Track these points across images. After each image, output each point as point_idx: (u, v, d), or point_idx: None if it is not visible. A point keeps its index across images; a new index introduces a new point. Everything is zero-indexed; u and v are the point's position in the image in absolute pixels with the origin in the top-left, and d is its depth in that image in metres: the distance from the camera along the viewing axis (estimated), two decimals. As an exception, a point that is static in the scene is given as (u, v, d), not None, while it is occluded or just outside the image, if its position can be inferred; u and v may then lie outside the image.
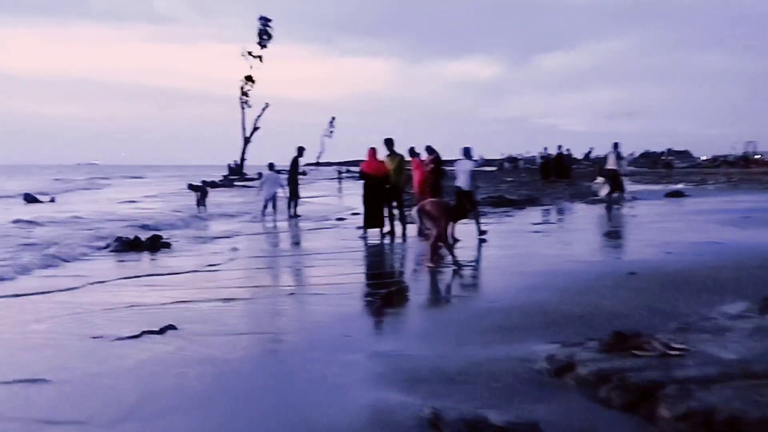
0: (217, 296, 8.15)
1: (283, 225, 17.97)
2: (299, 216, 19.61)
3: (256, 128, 66.25)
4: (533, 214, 19.56)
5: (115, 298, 8.10)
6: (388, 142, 14.97)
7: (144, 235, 13.97)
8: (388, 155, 14.93)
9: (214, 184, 46.53)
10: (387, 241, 14.15)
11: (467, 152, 14.51)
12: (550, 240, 13.38)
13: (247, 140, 65.90)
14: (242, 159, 65.62)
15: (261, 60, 66.80)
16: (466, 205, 9.90)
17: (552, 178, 37.49)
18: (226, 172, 61.70)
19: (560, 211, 20.40)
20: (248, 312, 7.44)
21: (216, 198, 29.30)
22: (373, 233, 14.36)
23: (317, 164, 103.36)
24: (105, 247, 12.96)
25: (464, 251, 11.57)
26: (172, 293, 8.40)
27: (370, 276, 10.01)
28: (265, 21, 67.61)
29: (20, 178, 66.13)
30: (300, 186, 19.97)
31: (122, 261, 11.63)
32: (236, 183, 50.05)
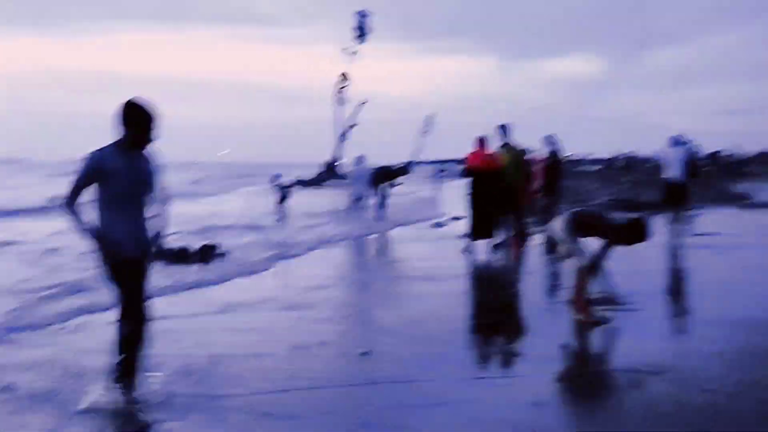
0: (244, 364, 5.23)
1: (370, 233, 15.00)
2: (388, 219, 16.75)
3: (352, 125, 64.45)
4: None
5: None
6: (504, 130, 11.73)
7: (198, 243, 11.44)
8: (503, 146, 11.71)
9: (304, 183, 44.53)
10: (499, 257, 10.97)
11: (678, 140, 12.68)
12: (732, 261, 9.82)
13: (342, 137, 64.12)
14: (338, 156, 63.77)
15: (358, 55, 65.05)
16: (644, 226, 6.42)
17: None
18: (322, 170, 59.90)
19: (712, 218, 16.51)
20: (289, 402, 4.45)
21: (303, 198, 26.82)
22: (481, 246, 11.19)
23: (414, 162, 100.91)
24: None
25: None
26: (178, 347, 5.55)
27: (482, 324, 6.86)
28: (362, 16, 65.74)
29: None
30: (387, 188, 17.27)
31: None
32: (328, 181, 47.81)
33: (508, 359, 5.40)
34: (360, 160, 16.92)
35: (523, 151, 12.05)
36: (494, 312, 7.12)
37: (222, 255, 10.56)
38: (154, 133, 4.15)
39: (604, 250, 6.27)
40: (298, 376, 4.71)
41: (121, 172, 4.06)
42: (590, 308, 6.27)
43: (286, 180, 20.90)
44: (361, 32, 65.19)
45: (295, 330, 6.09)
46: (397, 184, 18.47)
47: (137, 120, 4.08)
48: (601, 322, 6.20)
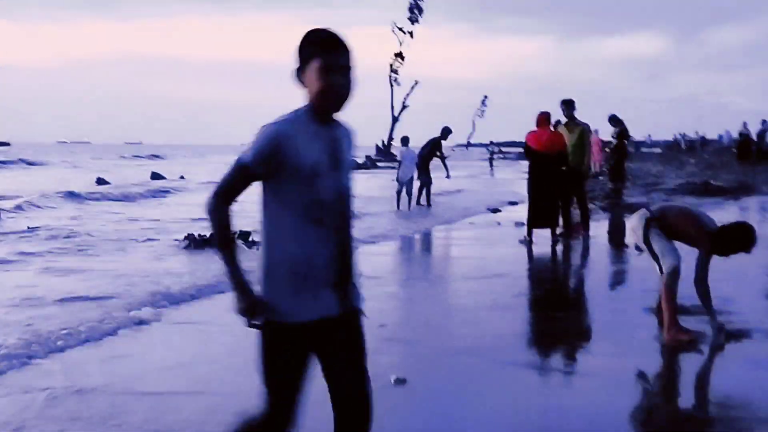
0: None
1: (416, 222, 13.81)
2: (436, 204, 15.60)
3: (404, 107, 63.28)
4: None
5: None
6: (568, 105, 10.43)
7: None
8: (566, 124, 10.43)
9: (357, 166, 43.63)
10: (561, 248, 9.73)
11: None
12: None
13: (395, 119, 63.03)
14: (390, 139, 62.72)
15: (411, 36, 63.66)
16: (752, 233, 4.99)
17: (752, 160, 30.95)
18: (373, 153, 58.99)
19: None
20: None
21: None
22: (541, 235, 9.96)
23: (468, 145, 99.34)
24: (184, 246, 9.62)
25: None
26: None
27: (541, 337, 5.69)
28: (415, -4, 64.30)
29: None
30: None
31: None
32: (380, 164, 46.79)
33: (579, 394, 4.22)
34: (406, 140, 15.78)
35: (588, 130, 10.73)
36: (556, 319, 5.93)
37: (254, 243, 9.60)
38: (353, 82, 2.32)
39: (703, 263, 4.94)
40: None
41: (319, 163, 2.26)
42: (680, 325, 4.97)
43: None
44: (415, 12, 63.95)
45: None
46: (444, 158, 16.77)
47: (329, 57, 2.25)
48: (697, 341, 4.93)
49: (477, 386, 4.13)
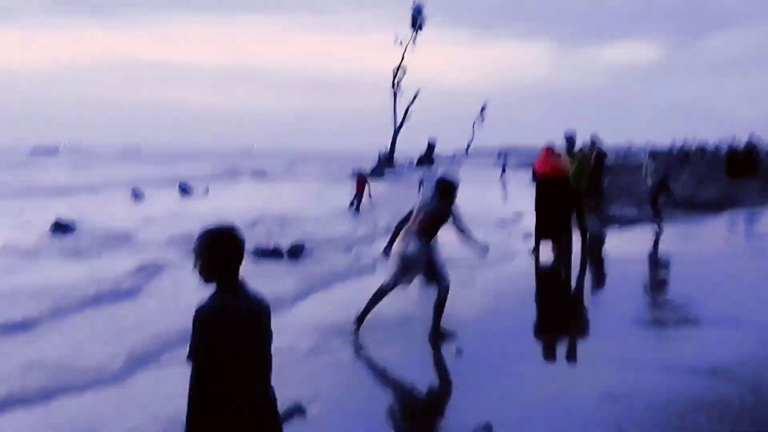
0: None
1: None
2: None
3: (406, 115, 64.48)
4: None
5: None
6: (570, 141, 12.58)
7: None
8: (569, 154, 12.47)
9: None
10: (558, 262, 11.50)
11: None
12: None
13: (397, 129, 64.23)
14: (392, 148, 63.95)
15: (414, 42, 64.95)
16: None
17: (744, 175, 32.45)
18: (374, 162, 59.88)
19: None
20: None
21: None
22: (546, 248, 11.82)
23: (467, 151, 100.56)
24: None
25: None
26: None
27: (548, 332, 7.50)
28: (418, 9, 65.71)
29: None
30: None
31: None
32: (385, 172, 48.43)
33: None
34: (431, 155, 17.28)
35: (586, 157, 12.81)
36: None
37: (307, 253, 11.65)
38: None
39: None
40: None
41: None
42: None
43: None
44: (416, 24, 65.23)
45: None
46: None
47: None
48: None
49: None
